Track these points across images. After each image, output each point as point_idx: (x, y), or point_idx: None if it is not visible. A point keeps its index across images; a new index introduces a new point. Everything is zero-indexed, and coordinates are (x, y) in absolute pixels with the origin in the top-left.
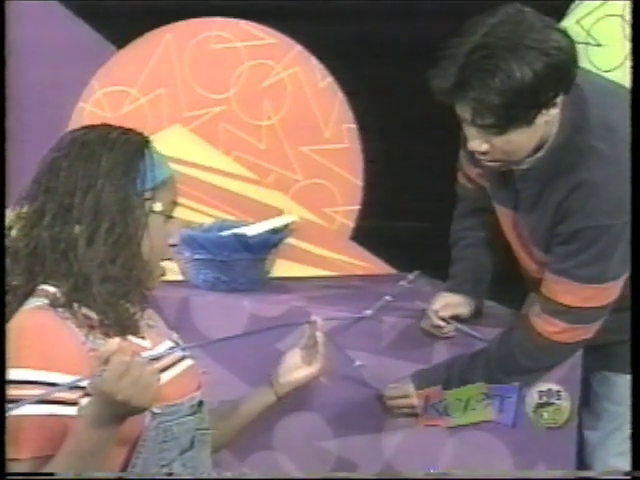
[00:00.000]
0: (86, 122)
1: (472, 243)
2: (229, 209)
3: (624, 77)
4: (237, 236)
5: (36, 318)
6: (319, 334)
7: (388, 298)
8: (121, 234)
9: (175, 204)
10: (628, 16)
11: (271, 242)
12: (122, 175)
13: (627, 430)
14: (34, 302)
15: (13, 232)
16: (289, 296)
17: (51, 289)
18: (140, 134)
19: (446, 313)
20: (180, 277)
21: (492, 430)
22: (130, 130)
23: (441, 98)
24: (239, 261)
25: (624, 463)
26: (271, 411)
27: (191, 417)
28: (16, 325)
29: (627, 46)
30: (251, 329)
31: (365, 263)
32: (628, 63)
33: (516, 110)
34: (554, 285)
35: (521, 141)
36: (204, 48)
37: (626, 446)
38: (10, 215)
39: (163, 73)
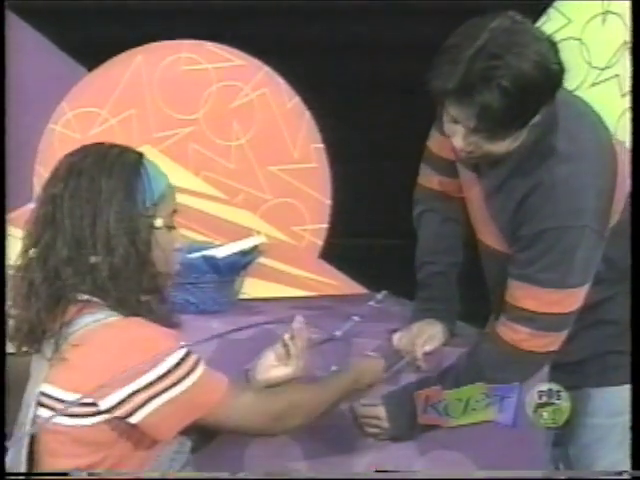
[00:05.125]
0: (56, 143)
1: (441, 271)
2: (199, 228)
3: None
4: (206, 258)
5: (141, 326)
6: (287, 336)
7: (356, 318)
8: (137, 257)
9: (175, 211)
10: (587, 40)
11: (240, 264)
12: (124, 200)
13: (612, 440)
14: (108, 315)
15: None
16: (258, 317)
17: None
18: (134, 151)
19: (430, 347)
20: None
21: (461, 449)
22: (124, 148)
23: (439, 99)
24: (208, 283)
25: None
26: None
27: None
28: (134, 334)
29: (585, 69)
30: (220, 351)
31: (334, 281)
32: (585, 86)
33: (515, 116)
34: (517, 291)
35: (505, 144)
36: (174, 70)
37: (611, 458)
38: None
39: (133, 94)
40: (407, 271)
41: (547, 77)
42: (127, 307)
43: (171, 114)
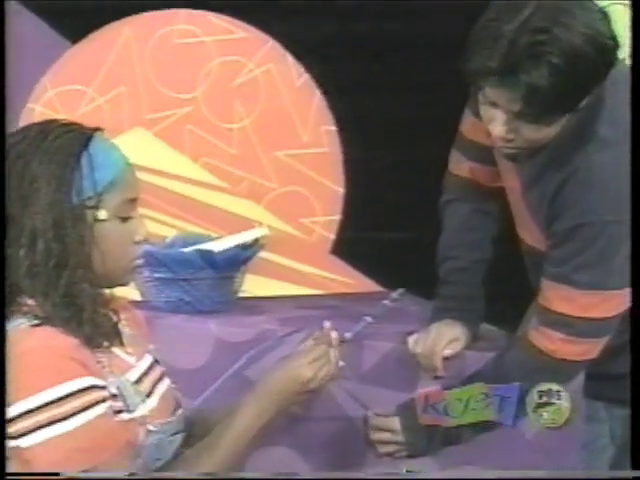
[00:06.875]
0: None
1: (464, 267)
2: (197, 221)
3: None
4: (202, 252)
5: (43, 338)
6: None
7: (369, 319)
8: (59, 255)
9: (134, 201)
10: None
11: (240, 259)
12: (55, 191)
13: None
14: (25, 321)
15: None
16: (260, 318)
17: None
18: (82, 132)
19: (450, 351)
20: (139, 297)
21: (481, 462)
22: (70, 128)
23: (477, 81)
24: (204, 280)
25: None
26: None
27: (179, 435)
28: (26, 348)
29: None
30: (218, 354)
31: (347, 279)
32: None
33: (565, 98)
34: (550, 292)
35: (550, 130)
36: (168, 43)
37: None
38: None
39: (122, 71)
40: (426, 268)
41: (600, 53)
42: (44, 312)
43: (165, 93)
